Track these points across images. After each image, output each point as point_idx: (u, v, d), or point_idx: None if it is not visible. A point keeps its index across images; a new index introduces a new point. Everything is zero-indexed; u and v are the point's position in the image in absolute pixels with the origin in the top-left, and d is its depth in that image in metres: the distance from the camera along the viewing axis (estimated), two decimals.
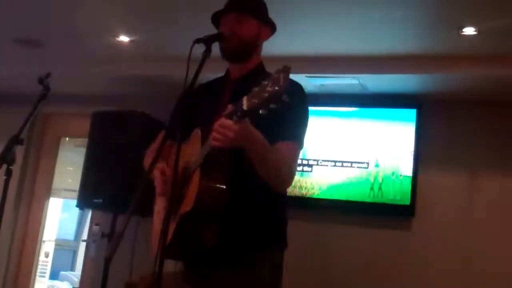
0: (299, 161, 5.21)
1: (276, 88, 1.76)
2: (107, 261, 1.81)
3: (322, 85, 5.06)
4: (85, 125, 5.56)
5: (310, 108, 5.12)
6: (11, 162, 2.42)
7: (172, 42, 4.41)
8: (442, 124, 5.09)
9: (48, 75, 2.66)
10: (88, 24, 4.66)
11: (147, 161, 2.60)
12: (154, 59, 5.13)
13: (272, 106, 1.80)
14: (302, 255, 4.81)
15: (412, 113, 5.09)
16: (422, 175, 5.01)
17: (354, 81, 4.89)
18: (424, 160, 5.02)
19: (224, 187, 2.15)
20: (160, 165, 2.37)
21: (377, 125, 5.19)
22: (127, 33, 4.75)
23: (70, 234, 8.15)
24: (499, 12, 3.68)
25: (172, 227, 2.22)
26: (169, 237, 2.20)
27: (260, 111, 1.82)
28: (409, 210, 4.97)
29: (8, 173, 2.41)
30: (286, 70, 1.79)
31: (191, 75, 2.09)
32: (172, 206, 1.98)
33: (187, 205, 2.16)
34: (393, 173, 5.04)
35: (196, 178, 2.16)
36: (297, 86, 2.36)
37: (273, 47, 4.33)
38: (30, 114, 2.53)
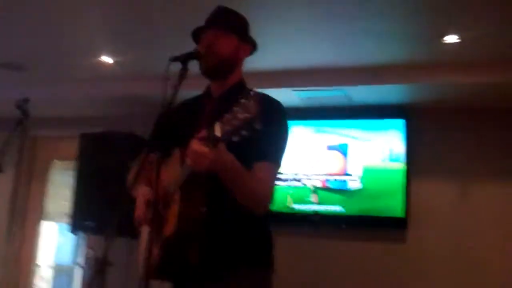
0: (285, 176, 5.22)
1: (247, 115, 1.74)
2: None
3: (308, 98, 5.05)
4: (75, 147, 5.54)
5: (297, 121, 5.18)
6: None
7: (156, 61, 4.40)
8: (431, 133, 5.07)
9: (26, 100, 2.62)
10: (72, 46, 4.66)
11: (129, 181, 2.58)
12: (138, 79, 5.15)
13: (243, 133, 1.78)
14: (293, 271, 4.79)
15: (400, 123, 5.08)
16: (414, 186, 4.99)
17: (340, 93, 4.88)
18: (415, 171, 5.00)
19: (204, 208, 2.12)
20: (144, 190, 2.34)
21: (365, 136, 5.17)
22: (111, 54, 4.76)
23: (67, 258, 8.09)
24: (482, 20, 3.69)
25: (156, 249, 2.21)
26: (155, 259, 2.18)
27: (233, 138, 1.80)
28: (403, 222, 4.94)
29: None
30: (257, 98, 1.77)
31: (170, 94, 2.07)
32: (154, 228, 1.96)
33: (169, 228, 2.14)
34: (384, 185, 5.01)
35: (176, 200, 2.13)
36: (272, 106, 2.31)
37: (259, 62, 4.38)
38: (8, 140, 2.49)
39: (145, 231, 2.35)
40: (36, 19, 4.16)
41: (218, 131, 1.83)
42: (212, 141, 1.88)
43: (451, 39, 3.94)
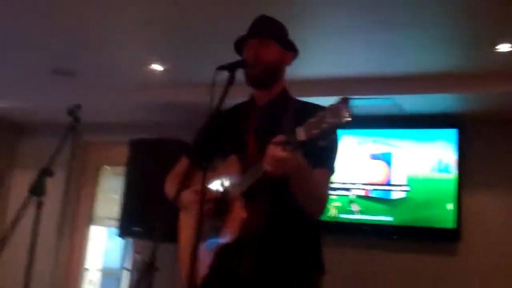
0: (338, 185, 5.19)
1: (337, 120, 1.76)
2: None
3: (357, 106, 4.99)
4: (124, 153, 5.62)
5: (347, 130, 5.15)
6: (41, 194, 2.42)
7: (204, 69, 4.45)
8: (483, 143, 4.97)
9: (78, 106, 2.67)
10: (123, 55, 4.75)
11: (169, 187, 2.59)
12: (187, 86, 5.19)
13: (331, 137, 1.78)
14: (342, 284, 4.74)
15: (452, 133, 4.99)
16: (467, 197, 4.89)
17: (390, 102, 4.82)
18: (467, 181, 4.90)
19: (266, 219, 2.14)
20: (192, 191, 2.34)
21: (417, 146, 5.10)
22: (161, 62, 4.82)
23: (115, 262, 8.21)
24: None
25: (207, 257, 2.20)
26: (205, 267, 2.19)
27: (319, 143, 1.82)
28: (455, 234, 4.85)
29: (39, 205, 2.41)
30: (346, 101, 1.79)
31: (216, 102, 2.08)
32: (199, 235, 1.95)
33: (230, 235, 2.14)
34: (432, 195, 4.92)
35: (238, 207, 2.13)
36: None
37: (306, 70, 4.38)
38: (60, 145, 2.53)
39: (187, 237, 2.34)
40: (86, 26, 4.23)
41: (302, 136, 1.84)
42: (292, 145, 1.88)
43: (504, 47, 3.85)
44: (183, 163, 2.57)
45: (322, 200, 2.25)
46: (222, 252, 2.17)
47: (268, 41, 2.36)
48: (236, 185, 2.19)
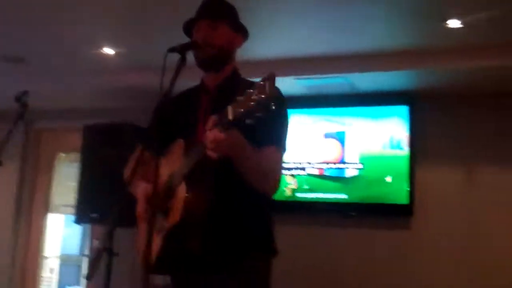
0: (293, 165, 5.23)
1: (263, 96, 1.74)
2: (87, 279, 1.78)
3: (311, 86, 5.04)
4: (79, 139, 5.55)
5: (299, 110, 5.18)
6: None
7: (157, 52, 4.40)
8: (435, 119, 5.05)
9: (25, 92, 2.61)
10: (73, 38, 4.65)
11: (126, 175, 2.57)
12: (140, 70, 5.13)
13: (258, 115, 1.77)
14: (296, 261, 4.80)
15: (403, 110, 5.06)
16: (419, 172, 4.97)
17: (343, 81, 4.86)
18: (419, 157, 4.99)
19: (210, 198, 2.13)
20: (143, 185, 2.33)
21: (369, 124, 5.16)
22: (112, 46, 4.76)
23: (74, 249, 8.15)
24: (484, 3, 3.65)
25: (158, 241, 2.20)
26: (156, 251, 2.18)
27: (246, 121, 1.80)
28: (408, 210, 4.93)
29: None
30: (272, 77, 1.76)
31: (168, 85, 2.06)
32: (153, 219, 1.94)
33: (173, 218, 2.13)
34: (385, 172, 5.00)
35: (181, 190, 2.13)
36: (279, 92, 2.34)
37: (259, 50, 4.37)
38: (8, 134, 2.48)
39: (143, 228, 2.33)
40: (35, 11, 4.14)
41: (230, 114, 1.83)
42: (224, 125, 1.88)
43: (454, 23, 3.91)
44: (137, 151, 2.55)
45: (271, 178, 2.25)
46: (169, 234, 2.15)
47: (218, 23, 2.34)
48: (179, 169, 2.17)
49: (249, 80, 2.36)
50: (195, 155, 2.07)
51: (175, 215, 2.12)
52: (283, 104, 2.32)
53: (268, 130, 2.17)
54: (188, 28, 2.42)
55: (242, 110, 1.79)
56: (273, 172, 2.24)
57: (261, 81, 1.77)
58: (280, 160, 2.30)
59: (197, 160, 2.06)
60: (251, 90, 1.77)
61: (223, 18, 2.37)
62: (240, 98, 1.80)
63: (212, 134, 1.92)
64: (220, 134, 1.90)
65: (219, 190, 2.16)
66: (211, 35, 2.31)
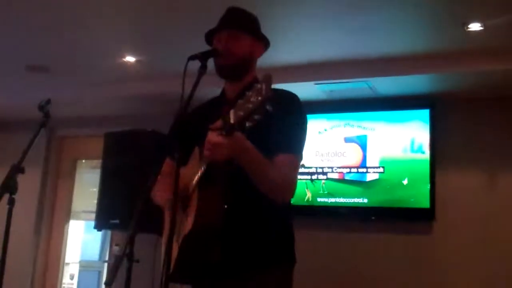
0: (309, 170, 5.21)
1: (259, 98, 1.74)
2: (108, 285, 1.78)
3: (331, 91, 5.03)
4: (100, 146, 5.59)
5: (321, 114, 5.16)
6: (13, 191, 2.40)
7: (177, 60, 4.43)
8: (457, 123, 5.01)
9: (48, 101, 2.64)
10: (95, 47, 4.71)
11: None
12: (161, 77, 5.17)
13: (256, 117, 1.78)
14: (315, 266, 4.78)
15: (425, 114, 5.02)
16: (440, 176, 4.92)
17: (364, 85, 4.84)
18: (440, 161, 4.94)
19: (222, 204, 2.13)
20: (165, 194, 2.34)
21: (390, 128, 5.14)
22: (133, 54, 4.80)
23: (94, 255, 8.19)
24: (505, 6, 3.63)
25: (175, 250, 2.21)
26: (174, 259, 2.19)
27: (247, 124, 1.81)
28: (429, 214, 4.89)
29: (11, 202, 2.39)
30: (267, 79, 1.76)
31: (189, 92, 2.07)
32: (173, 229, 1.94)
33: (187, 226, 2.14)
34: (409, 176, 4.97)
35: (194, 198, 2.14)
36: (287, 96, 2.33)
37: (280, 56, 4.38)
38: (31, 142, 2.51)
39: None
40: (58, 21, 4.21)
41: (232, 118, 1.85)
42: (226, 129, 1.89)
43: (475, 26, 3.89)
44: (166, 163, 2.56)
45: (284, 186, 2.23)
46: (185, 242, 2.16)
47: (238, 33, 2.37)
48: (193, 176, 2.18)
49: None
50: (203, 163, 2.09)
51: (189, 223, 2.13)
52: (295, 108, 2.32)
53: (281, 137, 2.18)
54: (210, 37, 2.44)
55: (242, 113, 1.80)
56: (283, 180, 2.22)
57: (258, 83, 1.77)
58: (293, 168, 2.29)
59: (204, 168, 2.08)
60: (250, 93, 1.78)
61: (244, 28, 2.39)
62: (240, 101, 1.81)
63: (210, 137, 1.96)
64: (218, 137, 1.92)
65: (233, 196, 2.16)
66: (232, 44, 2.33)
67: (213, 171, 2.07)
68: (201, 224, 2.08)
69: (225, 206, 2.13)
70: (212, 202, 2.12)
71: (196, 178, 2.14)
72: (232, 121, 1.84)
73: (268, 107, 1.76)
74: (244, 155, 2.05)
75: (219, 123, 1.94)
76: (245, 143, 2.03)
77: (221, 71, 2.36)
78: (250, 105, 1.76)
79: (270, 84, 1.76)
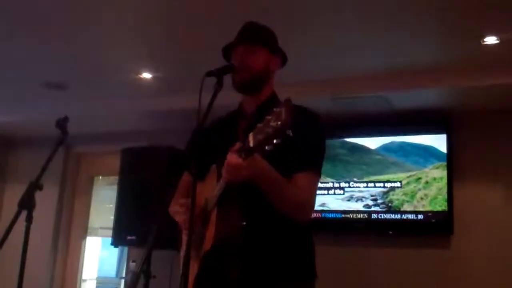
0: (329, 185, 5.20)
1: (279, 123, 1.75)
2: None
3: (347, 105, 5.01)
4: (117, 162, 5.62)
5: (335, 127, 5.15)
6: (31, 207, 2.41)
7: (193, 75, 4.45)
8: (474, 136, 4.98)
9: (65, 118, 2.66)
10: (112, 63, 4.75)
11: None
12: (177, 93, 5.20)
13: (276, 141, 1.78)
14: (332, 281, 4.74)
15: (442, 127, 5.01)
16: (458, 190, 4.90)
17: (380, 99, 4.83)
18: (458, 175, 4.91)
19: (240, 221, 2.13)
20: (183, 201, 2.34)
21: (407, 141, 5.12)
22: (150, 70, 4.84)
23: (111, 272, 8.20)
24: None
25: (195, 267, 2.21)
26: (193, 277, 2.19)
27: (266, 147, 1.81)
28: (447, 228, 4.86)
29: (29, 219, 2.40)
30: (288, 104, 1.76)
31: (205, 108, 2.08)
32: (189, 246, 1.92)
33: (207, 245, 2.15)
34: (427, 189, 4.94)
35: (213, 216, 2.15)
36: (307, 114, 2.32)
37: (295, 72, 4.37)
38: (49, 159, 2.53)
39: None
40: (76, 38, 4.25)
41: (251, 142, 1.85)
42: (245, 151, 1.90)
43: (490, 40, 3.88)
44: (183, 180, 2.57)
45: (304, 206, 2.24)
46: (204, 260, 2.17)
47: (255, 47, 2.37)
48: (212, 194, 2.19)
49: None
50: (223, 183, 2.09)
51: (208, 242, 2.13)
52: (317, 126, 2.32)
53: (300, 156, 2.17)
54: (227, 52, 2.45)
55: (261, 137, 1.80)
56: (302, 199, 2.22)
57: (277, 107, 1.78)
58: (312, 186, 2.29)
59: (224, 187, 2.08)
60: (269, 117, 1.78)
61: (260, 42, 2.39)
62: (259, 125, 1.82)
63: (230, 158, 1.96)
64: (238, 159, 1.93)
65: (251, 213, 2.16)
66: (249, 59, 2.34)
67: (231, 189, 2.07)
68: (221, 241, 2.10)
69: (244, 223, 2.14)
70: (231, 220, 2.13)
71: (215, 196, 2.15)
72: (251, 144, 1.85)
73: (288, 132, 1.77)
74: (263, 178, 2.05)
75: (238, 145, 1.95)
76: (264, 165, 2.03)
77: (238, 85, 2.36)
78: (270, 130, 1.77)
79: (291, 109, 1.76)
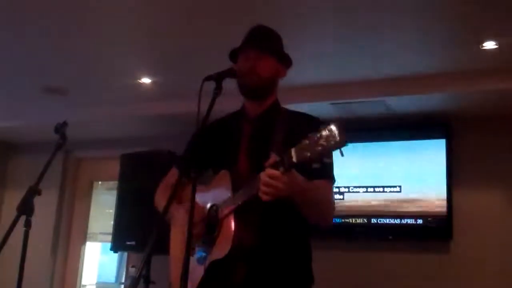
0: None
1: (333, 143, 1.74)
2: None
3: (346, 110, 5.02)
4: (116, 167, 5.62)
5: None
6: (29, 213, 2.40)
7: (193, 80, 4.44)
8: (473, 141, 4.99)
9: (65, 123, 2.66)
10: (111, 68, 4.76)
11: (158, 199, 2.59)
12: (177, 98, 5.18)
13: (326, 160, 1.79)
14: (336, 286, 4.74)
15: (441, 132, 5.02)
16: (457, 194, 4.90)
17: (380, 104, 4.84)
18: (457, 179, 4.92)
19: (256, 234, 2.13)
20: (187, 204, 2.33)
21: (406, 147, 5.13)
22: (149, 75, 4.84)
23: (111, 277, 8.19)
24: None
25: (198, 271, 2.20)
26: (197, 282, 2.19)
27: (313, 165, 1.81)
28: (447, 233, 4.86)
29: (27, 224, 2.40)
30: (342, 125, 1.76)
31: (204, 112, 2.07)
32: (188, 251, 1.90)
33: (220, 251, 2.13)
34: (426, 194, 4.94)
35: (228, 224, 2.13)
36: (313, 122, 2.27)
37: (296, 76, 4.38)
38: (47, 164, 2.52)
39: (178, 255, 2.31)
40: (75, 43, 4.25)
41: (294, 157, 1.83)
42: (286, 166, 1.88)
43: (489, 45, 3.89)
44: (173, 174, 2.57)
45: (330, 210, 2.28)
46: (212, 267, 2.16)
47: (265, 54, 2.35)
48: (227, 201, 2.18)
49: (288, 110, 2.39)
50: (249, 192, 2.06)
51: (222, 248, 2.11)
52: None
53: (320, 165, 2.18)
54: (234, 54, 2.44)
55: (309, 154, 1.79)
56: (329, 204, 2.27)
57: (326, 125, 1.77)
58: (332, 191, 2.33)
59: (250, 196, 2.06)
60: (318, 135, 1.77)
61: (271, 49, 2.38)
62: (305, 141, 1.80)
63: (269, 173, 1.92)
64: (277, 173, 1.90)
65: (265, 226, 2.16)
66: (258, 65, 2.32)
67: (252, 200, 2.05)
68: (235, 251, 2.08)
69: (258, 237, 2.14)
70: (248, 233, 2.12)
71: (233, 204, 2.13)
72: (294, 160, 1.83)
73: (339, 151, 1.76)
74: (299, 191, 2.03)
75: (274, 158, 1.92)
76: (301, 181, 2.02)
77: (245, 90, 2.35)
78: (320, 148, 1.76)
79: (344, 130, 1.75)
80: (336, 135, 1.74)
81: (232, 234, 2.09)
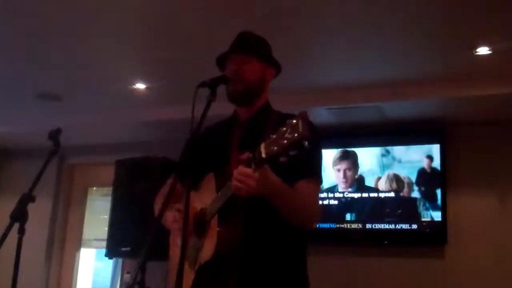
0: (324, 195, 5.20)
1: (296, 135, 1.73)
2: None
3: (341, 115, 5.02)
4: (111, 173, 5.61)
5: (331, 138, 5.16)
6: (23, 220, 2.39)
7: (187, 86, 4.44)
8: (467, 146, 5.00)
9: (58, 130, 2.65)
10: (105, 74, 4.75)
11: (156, 206, 2.59)
12: (171, 104, 5.19)
13: (292, 153, 1.77)
14: None
15: (435, 137, 5.03)
16: (451, 200, 4.91)
17: (374, 109, 4.85)
18: (451, 185, 4.93)
19: (242, 234, 2.12)
20: (177, 205, 2.33)
21: (400, 152, 5.13)
22: (143, 81, 4.83)
23: (106, 283, 8.16)
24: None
25: (190, 275, 2.20)
26: (188, 285, 2.18)
27: (280, 159, 1.79)
28: (441, 238, 4.86)
29: (21, 231, 2.38)
30: (305, 116, 1.75)
31: (198, 119, 2.07)
32: (183, 256, 1.89)
33: (206, 254, 2.13)
34: (420, 199, 4.95)
35: (213, 226, 2.13)
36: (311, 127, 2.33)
37: (291, 81, 4.40)
38: (41, 170, 2.51)
39: (175, 259, 2.33)
40: (69, 49, 4.25)
41: (263, 153, 1.83)
42: (256, 162, 1.88)
43: (483, 50, 3.90)
44: (169, 182, 2.57)
45: (312, 213, 2.25)
46: (201, 270, 2.16)
47: (249, 58, 2.36)
48: (212, 204, 2.18)
49: (281, 112, 2.37)
50: (226, 193, 2.06)
51: (208, 250, 2.11)
52: (317, 137, 2.32)
53: (303, 164, 2.16)
54: (221, 62, 2.44)
55: (276, 148, 1.77)
56: (310, 207, 2.24)
57: (293, 119, 1.75)
58: (316, 193, 2.32)
59: (227, 197, 2.05)
60: (284, 128, 1.76)
61: (254, 52, 2.38)
62: (272, 136, 1.79)
63: (240, 169, 1.92)
64: (248, 170, 1.90)
65: (250, 225, 2.14)
66: (242, 69, 2.33)
67: (233, 199, 2.04)
68: (222, 252, 2.08)
69: (244, 235, 2.12)
70: (232, 231, 2.11)
71: (216, 206, 2.13)
72: (263, 155, 1.82)
73: (305, 144, 1.74)
74: (273, 190, 2.03)
75: (246, 155, 1.91)
76: (274, 177, 2.01)
77: (232, 96, 2.35)
78: (285, 141, 1.75)
79: (308, 121, 1.74)
80: (300, 127, 1.72)
81: (216, 235, 2.08)
